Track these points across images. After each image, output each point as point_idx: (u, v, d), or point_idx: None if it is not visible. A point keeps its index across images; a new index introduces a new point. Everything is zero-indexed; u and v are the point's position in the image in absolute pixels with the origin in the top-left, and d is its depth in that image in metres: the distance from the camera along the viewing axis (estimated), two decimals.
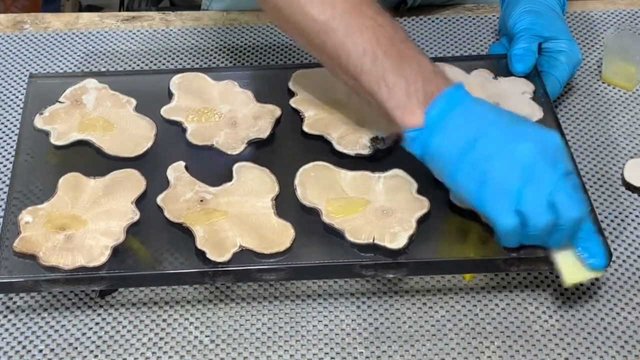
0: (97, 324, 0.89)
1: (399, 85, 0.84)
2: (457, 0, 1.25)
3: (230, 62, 1.16)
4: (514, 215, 0.81)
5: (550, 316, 0.89)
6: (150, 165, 0.95)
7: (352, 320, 0.89)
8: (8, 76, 1.14)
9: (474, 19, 1.23)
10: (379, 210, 0.89)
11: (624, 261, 0.94)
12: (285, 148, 0.97)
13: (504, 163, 0.81)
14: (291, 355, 0.86)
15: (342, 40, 0.86)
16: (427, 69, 0.85)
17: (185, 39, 1.20)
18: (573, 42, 1.06)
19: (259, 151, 0.96)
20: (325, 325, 0.89)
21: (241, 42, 1.19)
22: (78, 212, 0.89)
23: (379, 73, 0.84)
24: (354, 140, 0.96)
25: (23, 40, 1.19)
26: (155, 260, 0.86)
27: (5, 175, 1.01)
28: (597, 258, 0.84)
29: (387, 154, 0.95)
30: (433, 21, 1.22)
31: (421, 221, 0.88)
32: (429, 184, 0.92)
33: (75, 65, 1.15)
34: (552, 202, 0.81)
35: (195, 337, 0.88)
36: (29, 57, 1.17)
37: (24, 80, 1.12)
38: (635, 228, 0.97)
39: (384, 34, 0.85)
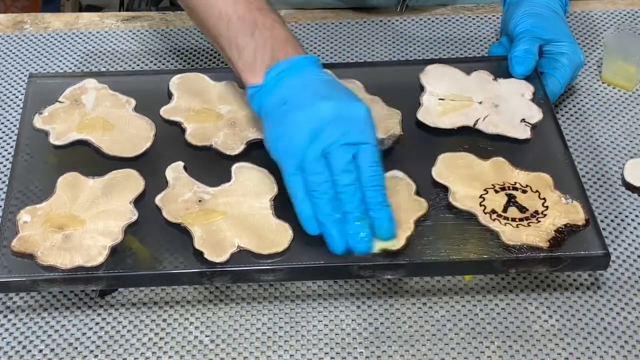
0: (97, 324, 0.89)
1: (248, 48, 0.91)
2: (457, 0, 1.25)
3: None
4: (298, 170, 0.85)
5: (550, 316, 0.89)
6: (149, 165, 0.94)
7: (352, 321, 0.89)
8: (8, 76, 1.14)
9: (474, 19, 1.23)
10: None
11: (623, 261, 0.94)
12: None
13: (300, 118, 0.85)
14: (291, 355, 0.86)
15: (205, 4, 0.94)
16: (280, 37, 0.91)
17: (185, 39, 1.20)
18: (575, 44, 1.05)
19: (258, 152, 0.96)
20: (325, 325, 0.89)
21: None
22: (76, 211, 0.89)
23: (232, 36, 0.92)
24: None
25: (23, 40, 1.19)
26: (153, 260, 0.86)
27: (4, 175, 1.01)
28: (383, 229, 0.85)
29: (387, 155, 0.95)
30: (433, 21, 1.22)
31: (419, 222, 0.88)
32: (428, 185, 0.92)
33: (75, 65, 1.15)
34: (329, 162, 0.84)
35: (195, 337, 0.88)
36: (29, 57, 1.17)
37: (23, 80, 1.12)
38: (635, 228, 0.97)
39: (242, 1, 0.92)
